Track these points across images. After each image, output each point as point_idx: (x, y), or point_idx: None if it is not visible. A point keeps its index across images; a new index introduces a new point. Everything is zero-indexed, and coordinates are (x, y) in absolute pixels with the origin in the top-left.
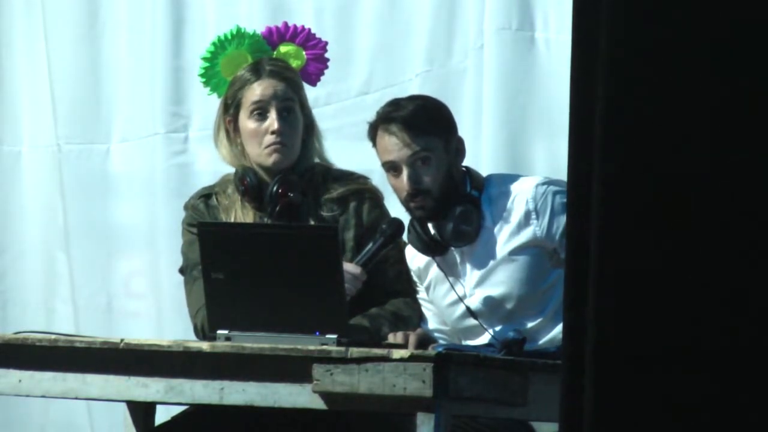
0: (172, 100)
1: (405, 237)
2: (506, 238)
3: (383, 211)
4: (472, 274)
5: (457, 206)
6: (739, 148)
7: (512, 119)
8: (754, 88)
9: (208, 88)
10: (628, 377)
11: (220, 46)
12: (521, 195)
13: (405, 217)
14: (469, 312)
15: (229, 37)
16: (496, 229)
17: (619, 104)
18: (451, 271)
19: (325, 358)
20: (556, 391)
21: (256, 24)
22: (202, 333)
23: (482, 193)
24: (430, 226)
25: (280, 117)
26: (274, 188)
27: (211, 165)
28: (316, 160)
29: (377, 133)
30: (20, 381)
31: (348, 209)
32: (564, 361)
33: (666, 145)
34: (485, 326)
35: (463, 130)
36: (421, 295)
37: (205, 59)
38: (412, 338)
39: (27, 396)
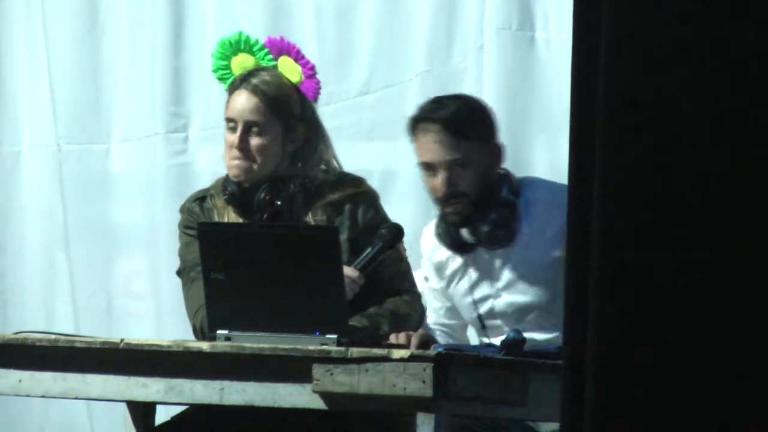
0: (172, 100)
1: (431, 233)
2: (542, 248)
3: (378, 212)
4: (501, 277)
5: (492, 210)
6: (740, 147)
7: (512, 119)
8: (756, 86)
9: (225, 83)
10: (628, 377)
11: (229, 47)
12: (562, 208)
13: (404, 220)
14: (479, 320)
15: (235, 40)
16: (531, 237)
17: (620, 104)
18: (479, 270)
19: (325, 358)
20: (556, 391)
21: (256, 24)
22: (202, 333)
23: (519, 197)
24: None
25: (244, 133)
26: (261, 195)
27: (211, 165)
28: (323, 167)
29: (417, 130)
30: (20, 381)
31: (343, 212)
32: (564, 361)
33: (667, 145)
34: (505, 328)
35: None
36: (434, 285)
37: (215, 56)
38: (414, 339)
39: (27, 396)
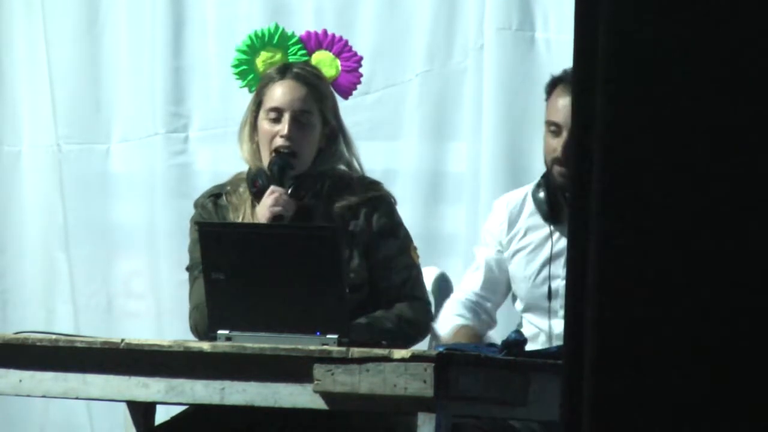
0: (172, 100)
1: (509, 201)
2: None
3: (393, 218)
4: None
5: None
6: (741, 147)
7: (512, 119)
8: (757, 86)
9: (242, 80)
10: (628, 377)
11: (258, 40)
12: None
13: (403, 219)
14: (549, 297)
15: (270, 32)
16: None
17: (620, 104)
18: (561, 246)
19: (326, 358)
20: (556, 391)
21: (256, 24)
22: (196, 333)
23: None
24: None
25: (293, 123)
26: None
27: (211, 165)
28: (342, 166)
29: (555, 89)
30: (21, 381)
31: (359, 216)
32: (564, 361)
33: (667, 146)
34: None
35: (463, 131)
36: (490, 254)
37: (240, 51)
38: None
39: (28, 396)
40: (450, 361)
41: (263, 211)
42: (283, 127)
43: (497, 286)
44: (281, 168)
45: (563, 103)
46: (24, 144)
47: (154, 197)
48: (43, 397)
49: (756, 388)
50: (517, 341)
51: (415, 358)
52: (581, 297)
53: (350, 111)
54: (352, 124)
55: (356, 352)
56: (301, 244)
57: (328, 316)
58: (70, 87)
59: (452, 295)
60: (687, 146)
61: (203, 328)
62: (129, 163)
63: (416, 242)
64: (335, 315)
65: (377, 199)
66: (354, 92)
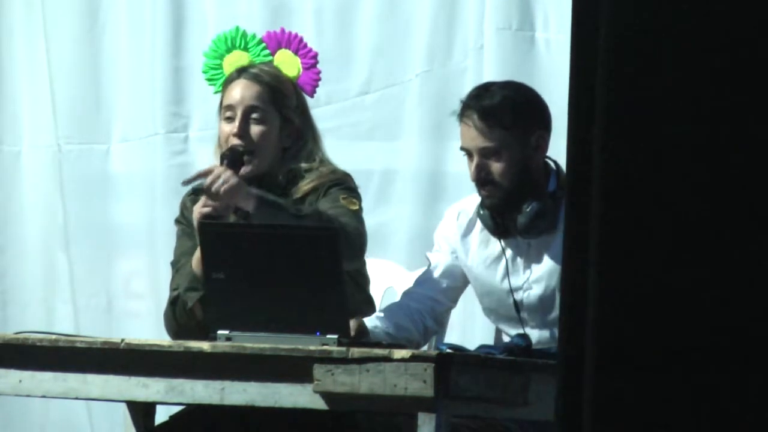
0: (172, 100)
1: (457, 213)
2: None
3: (337, 193)
4: (536, 268)
5: (531, 201)
6: (741, 147)
7: None
8: (757, 86)
9: (214, 85)
10: (628, 377)
11: (223, 44)
12: None
13: (403, 219)
14: (517, 310)
15: (232, 36)
16: None
17: (619, 104)
18: (515, 258)
19: (326, 358)
20: None
21: (256, 24)
22: (167, 327)
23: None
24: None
25: (244, 121)
26: None
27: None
28: (305, 164)
29: (461, 115)
30: (20, 381)
31: (306, 202)
32: (562, 361)
33: (667, 145)
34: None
35: None
36: (444, 259)
37: (207, 56)
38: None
39: (27, 396)
40: (450, 361)
41: (195, 212)
42: (234, 127)
43: (451, 291)
44: (230, 163)
45: (465, 129)
46: (24, 144)
47: (154, 197)
48: (43, 397)
49: (756, 387)
50: (518, 347)
51: (415, 358)
52: (581, 297)
53: (350, 111)
54: (352, 124)
55: (356, 352)
56: (301, 244)
57: (328, 316)
58: (70, 87)
59: (402, 297)
60: (687, 146)
61: (171, 327)
62: (129, 163)
63: (416, 242)
64: (335, 315)
65: (327, 183)
66: (354, 92)
